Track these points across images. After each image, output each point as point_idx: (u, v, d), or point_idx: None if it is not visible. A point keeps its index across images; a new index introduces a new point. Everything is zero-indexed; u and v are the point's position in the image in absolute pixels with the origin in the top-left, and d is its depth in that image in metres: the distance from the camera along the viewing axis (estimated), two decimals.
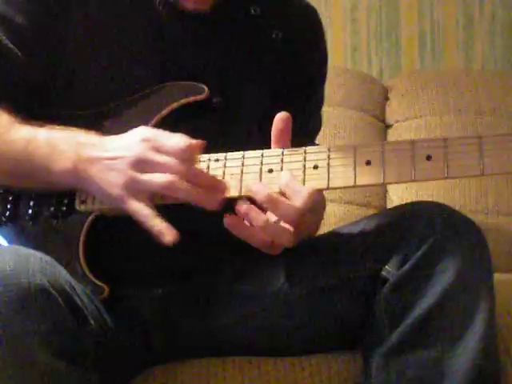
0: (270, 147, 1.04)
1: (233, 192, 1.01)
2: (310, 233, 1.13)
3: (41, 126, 1.10)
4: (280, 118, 1.02)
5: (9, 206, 1.14)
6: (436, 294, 0.99)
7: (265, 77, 1.23)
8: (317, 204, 1.01)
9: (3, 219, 1.14)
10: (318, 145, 1.31)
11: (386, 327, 1.02)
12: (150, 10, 1.19)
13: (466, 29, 2.36)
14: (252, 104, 1.22)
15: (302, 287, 1.10)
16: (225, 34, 1.22)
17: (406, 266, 1.01)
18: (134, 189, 0.99)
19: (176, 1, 1.19)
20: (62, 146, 1.06)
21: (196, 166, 1.00)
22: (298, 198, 0.97)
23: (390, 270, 1.02)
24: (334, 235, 1.14)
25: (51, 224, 1.12)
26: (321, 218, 1.17)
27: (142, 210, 0.98)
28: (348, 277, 1.07)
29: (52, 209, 1.11)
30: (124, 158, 0.99)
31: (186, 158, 0.98)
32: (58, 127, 1.11)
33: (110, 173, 1.00)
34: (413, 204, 1.11)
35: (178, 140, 1.00)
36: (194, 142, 1.00)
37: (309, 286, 1.10)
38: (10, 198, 1.15)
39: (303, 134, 1.26)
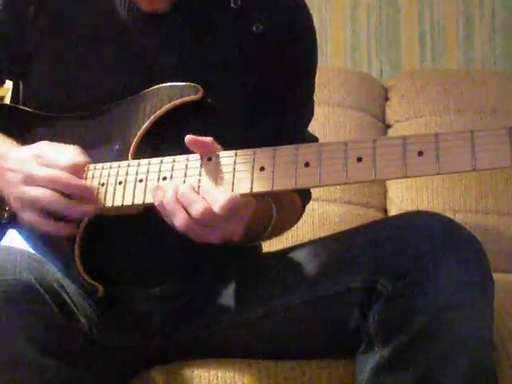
0: (256, 142, 1.04)
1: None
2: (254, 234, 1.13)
3: None
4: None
5: (7, 208, 1.14)
6: (430, 311, 0.97)
7: (249, 71, 1.22)
8: (242, 210, 0.99)
9: (3, 220, 1.14)
10: (312, 135, 1.31)
11: (379, 342, 1.02)
12: (114, 16, 1.19)
13: (466, 29, 2.35)
14: (238, 100, 1.21)
15: (301, 296, 1.10)
16: (201, 30, 1.20)
17: (402, 281, 0.99)
18: (24, 202, 1.06)
19: (135, 2, 1.17)
20: None
21: (78, 180, 1.06)
22: (217, 205, 0.96)
23: (385, 284, 1.01)
24: (333, 243, 1.13)
25: None
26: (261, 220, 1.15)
27: (33, 221, 1.05)
28: (345, 288, 1.06)
29: None
30: (17, 173, 1.07)
31: (71, 172, 1.05)
32: None
33: (8, 185, 1.08)
34: (412, 215, 1.09)
35: (63, 157, 1.06)
36: (77, 159, 1.07)
37: (307, 295, 1.09)
38: None
39: (293, 125, 1.26)
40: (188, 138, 1.01)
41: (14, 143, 1.14)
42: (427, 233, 1.01)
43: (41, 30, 1.20)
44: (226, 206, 0.95)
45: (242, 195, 0.98)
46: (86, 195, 1.06)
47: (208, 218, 0.96)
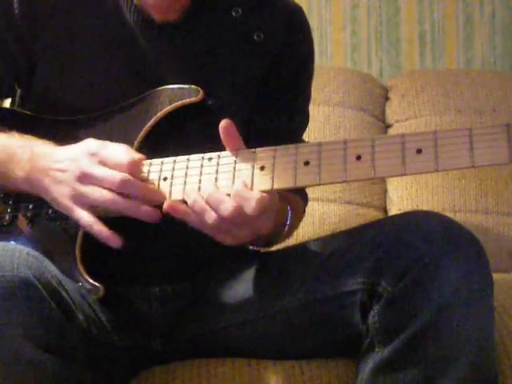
0: (254, 145, 1.04)
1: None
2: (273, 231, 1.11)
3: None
4: (223, 125, 1.02)
5: (9, 210, 1.14)
6: (431, 312, 0.97)
7: (249, 78, 1.23)
8: (270, 207, 1.00)
9: (4, 222, 1.14)
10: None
11: (379, 343, 1.02)
12: (122, 23, 1.20)
13: (466, 29, 2.35)
14: (238, 105, 1.22)
15: (300, 298, 1.10)
16: (206, 38, 1.21)
17: (402, 283, 0.99)
18: (79, 200, 1.05)
19: (146, 11, 1.19)
20: (19, 154, 1.11)
21: (137, 178, 1.04)
22: (248, 206, 0.96)
23: (385, 287, 1.01)
24: (331, 243, 1.13)
25: (49, 226, 1.12)
26: (280, 218, 1.15)
27: (85, 219, 1.05)
28: (345, 290, 1.06)
29: (50, 211, 1.12)
30: (71, 172, 1.05)
31: (128, 171, 1.03)
32: (17, 134, 1.15)
33: (59, 185, 1.06)
34: (411, 215, 1.09)
35: (121, 155, 1.05)
36: (136, 156, 1.05)
37: (307, 297, 1.09)
38: (11, 202, 1.15)
39: (290, 131, 1.26)
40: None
41: (51, 142, 1.13)
42: (427, 233, 1.01)
43: (51, 31, 1.20)
44: (257, 208, 0.96)
45: (267, 192, 0.99)
46: (149, 197, 1.04)
47: (239, 217, 0.97)
